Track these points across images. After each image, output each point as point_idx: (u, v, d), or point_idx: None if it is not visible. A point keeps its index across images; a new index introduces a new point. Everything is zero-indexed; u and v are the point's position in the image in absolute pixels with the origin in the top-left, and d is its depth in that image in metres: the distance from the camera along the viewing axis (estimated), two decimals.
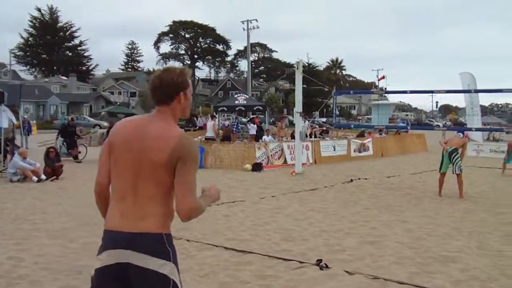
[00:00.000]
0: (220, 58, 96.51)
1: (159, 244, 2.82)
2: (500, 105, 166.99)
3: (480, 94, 28.68)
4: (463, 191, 13.08)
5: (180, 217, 2.81)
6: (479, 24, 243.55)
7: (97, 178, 3.05)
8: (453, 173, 13.09)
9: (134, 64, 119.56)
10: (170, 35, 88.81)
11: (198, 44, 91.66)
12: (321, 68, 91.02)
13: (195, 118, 41.43)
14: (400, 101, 70.55)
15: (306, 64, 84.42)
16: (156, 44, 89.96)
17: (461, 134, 15.67)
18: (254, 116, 34.73)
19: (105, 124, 33.62)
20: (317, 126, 34.94)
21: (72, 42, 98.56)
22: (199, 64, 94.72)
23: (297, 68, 17.94)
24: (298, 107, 17.79)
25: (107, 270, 2.81)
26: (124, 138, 2.93)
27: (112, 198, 2.97)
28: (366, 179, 16.44)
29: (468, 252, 7.42)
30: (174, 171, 2.80)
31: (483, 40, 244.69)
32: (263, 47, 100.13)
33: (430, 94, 19.85)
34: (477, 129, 25.36)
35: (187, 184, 2.79)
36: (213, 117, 29.72)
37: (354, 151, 24.52)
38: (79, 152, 21.29)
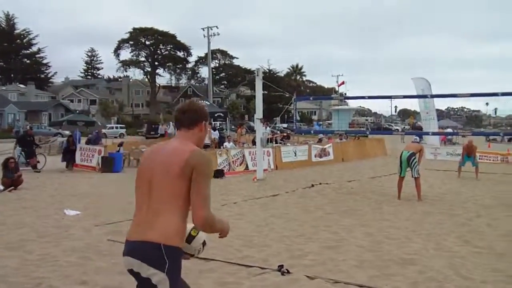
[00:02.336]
0: (181, 65, 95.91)
1: (156, 253, 2.97)
2: (456, 109, 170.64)
3: (436, 98, 29.26)
4: (421, 194, 13.33)
5: (196, 226, 3.13)
6: (435, 31, 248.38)
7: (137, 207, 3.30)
8: (412, 176, 13.34)
9: (94, 72, 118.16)
10: (130, 42, 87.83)
11: (158, 51, 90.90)
12: (282, 74, 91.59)
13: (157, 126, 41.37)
14: (360, 106, 71.16)
15: (267, 71, 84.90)
16: (116, 51, 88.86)
17: (418, 138, 15.98)
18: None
19: (67, 132, 33.19)
20: (278, 132, 35.12)
21: (30, 49, 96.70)
22: (159, 71, 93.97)
23: (257, 75, 18.01)
24: (259, 113, 17.86)
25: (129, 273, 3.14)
26: (147, 156, 3.31)
27: (135, 210, 3.23)
28: (327, 184, 16.59)
29: (425, 254, 7.57)
30: (189, 184, 3.04)
31: (438, 46, 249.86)
32: (224, 53, 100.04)
33: (388, 99, 20.16)
34: (434, 133, 25.89)
35: (201, 195, 3.03)
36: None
37: (315, 156, 24.71)
38: (38, 162, 20.89)
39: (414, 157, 13.38)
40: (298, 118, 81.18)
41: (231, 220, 10.15)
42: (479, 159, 22.69)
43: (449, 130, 55.86)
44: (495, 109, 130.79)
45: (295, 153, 23.49)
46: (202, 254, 7.31)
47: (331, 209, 11.75)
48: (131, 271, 3.11)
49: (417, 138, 15.99)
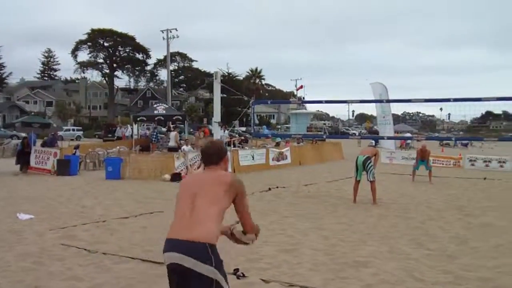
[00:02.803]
0: (139, 67, 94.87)
1: (203, 250, 3.57)
2: (411, 114, 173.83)
3: (392, 103, 29.73)
4: (376, 197, 13.52)
5: (246, 231, 4.11)
6: (393, 37, 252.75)
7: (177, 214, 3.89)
8: (367, 180, 13.52)
9: (51, 73, 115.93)
10: (88, 43, 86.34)
11: (117, 53, 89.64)
12: (241, 78, 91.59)
13: (114, 128, 40.85)
14: (318, 110, 72.12)
15: (226, 74, 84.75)
16: (74, 53, 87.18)
17: (373, 142, 16.21)
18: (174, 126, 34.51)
19: (23, 135, 32.38)
20: (236, 135, 35.11)
21: None
22: (118, 73, 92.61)
23: (216, 78, 17.97)
24: (217, 116, 17.82)
25: (168, 267, 3.71)
26: (188, 181, 4.19)
27: (175, 218, 3.82)
28: (284, 187, 16.67)
29: (379, 257, 7.68)
30: (229, 201, 3.82)
31: (396, 52, 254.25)
32: (183, 56, 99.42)
33: (345, 103, 20.56)
34: (389, 138, 26.32)
35: (247, 209, 3.99)
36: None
37: (273, 160, 24.80)
38: None
39: (369, 161, 13.57)
40: (257, 121, 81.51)
41: None
42: (433, 163, 23.16)
43: (408, 134, 56.93)
44: (449, 114, 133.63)
45: (253, 157, 23.52)
46: (157, 259, 7.30)
47: (288, 213, 11.81)
48: (172, 265, 3.66)
49: (373, 142, 16.23)
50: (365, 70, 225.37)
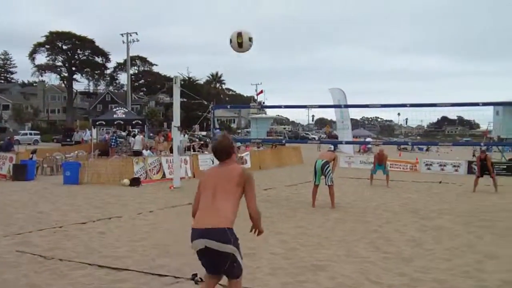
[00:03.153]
0: (99, 71, 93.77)
1: (225, 234, 4.52)
2: (370, 119, 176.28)
3: (351, 108, 30.07)
4: (334, 201, 13.63)
5: (250, 213, 4.84)
6: (352, 43, 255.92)
7: (193, 206, 4.88)
8: (326, 184, 13.62)
9: (7, 76, 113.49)
10: (47, 46, 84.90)
11: (76, 56, 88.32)
12: (202, 82, 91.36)
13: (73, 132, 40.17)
14: (278, 115, 72.28)
15: (186, 78, 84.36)
16: (31, 55, 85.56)
17: (332, 147, 16.35)
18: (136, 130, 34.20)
19: None
20: (196, 139, 34.94)
21: None
22: (77, 76, 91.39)
23: (175, 83, 17.89)
24: (176, 121, 17.73)
25: (198, 252, 4.62)
26: (207, 175, 4.93)
27: (199, 209, 4.69)
28: None
29: (337, 260, 7.74)
30: (241, 190, 4.68)
31: (354, 58, 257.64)
32: (143, 60, 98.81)
33: (304, 108, 20.62)
34: (347, 142, 26.53)
35: (253, 196, 4.75)
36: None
37: None
38: None
39: (328, 166, 13.68)
40: (217, 126, 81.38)
41: (146, 230, 10.07)
42: (390, 167, 23.53)
43: (370, 139, 57.58)
44: (406, 119, 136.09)
45: (213, 161, 23.42)
46: (114, 264, 7.20)
47: (247, 217, 11.77)
48: (201, 250, 4.56)
49: (332, 146, 16.36)
50: (325, 75, 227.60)
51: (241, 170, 4.74)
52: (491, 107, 37.96)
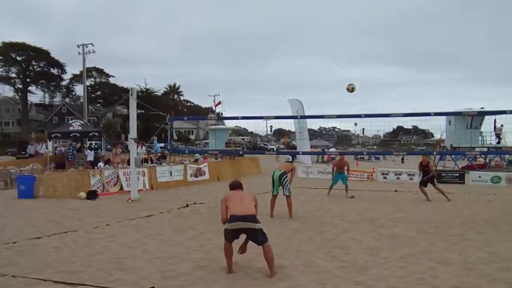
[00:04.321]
0: (54, 82, 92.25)
1: (255, 218, 7.59)
2: (328, 129, 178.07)
3: (308, 119, 30.39)
4: (292, 211, 13.70)
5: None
6: (308, 54, 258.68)
7: (222, 215, 7.88)
8: (283, 195, 13.68)
9: None
10: (0, 57, 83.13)
11: (30, 68, 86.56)
12: (159, 94, 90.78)
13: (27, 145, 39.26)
14: (237, 126, 72.23)
15: (144, 90, 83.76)
16: None
17: (290, 158, 16.44)
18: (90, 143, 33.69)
19: None
20: (154, 151, 34.69)
21: None
22: (32, 88, 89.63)
23: (131, 95, 17.73)
24: (133, 133, 17.57)
25: (235, 230, 7.57)
26: (232, 194, 8.14)
27: (232, 208, 7.68)
28: (201, 203, 16.61)
29: (294, 270, 7.78)
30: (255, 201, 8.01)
31: (311, 69, 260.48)
32: (100, 71, 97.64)
33: (261, 119, 20.68)
34: (304, 153, 26.82)
35: (257, 205, 8.04)
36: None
37: (191, 176, 24.70)
38: None
39: (285, 176, 13.76)
40: (175, 137, 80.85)
41: (103, 243, 9.92)
42: (348, 176, 23.80)
43: (333, 149, 58.10)
44: (363, 129, 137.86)
45: (171, 173, 23.33)
46: (70, 280, 7.05)
47: (205, 229, 11.76)
48: (241, 229, 7.58)
49: (290, 157, 16.46)
50: (284, 86, 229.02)
51: (253, 195, 8.29)
52: (444, 117, 38.89)
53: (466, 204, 17.40)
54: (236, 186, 8.42)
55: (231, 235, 7.59)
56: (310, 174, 30.37)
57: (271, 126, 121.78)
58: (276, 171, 13.98)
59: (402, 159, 54.43)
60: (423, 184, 18.83)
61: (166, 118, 20.40)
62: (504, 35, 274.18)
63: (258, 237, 7.54)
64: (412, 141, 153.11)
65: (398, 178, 28.40)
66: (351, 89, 16.02)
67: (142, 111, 60.78)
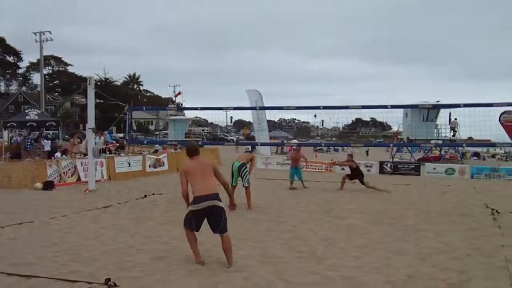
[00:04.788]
0: (10, 70, 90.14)
1: (218, 197, 7.46)
2: (287, 120, 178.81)
3: (268, 110, 30.44)
4: (251, 202, 13.76)
5: (223, 184, 8.08)
6: (269, 46, 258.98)
7: (182, 188, 7.70)
8: (242, 186, 13.72)
9: None
10: None
11: None
12: (119, 83, 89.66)
13: None
14: (197, 117, 71.93)
15: (103, 79, 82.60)
16: None
17: (250, 148, 16.48)
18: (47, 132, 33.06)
19: None
20: (113, 141, 34.27)
21: None
22: None
23: (89, 84, 17.46)
24: (91, 123, 17.32)
25: (203, 209, 7.44)
26: (191, 166, 7.70)
27: (195, 187, 7.50)
28: (160, 194, 16.53)
29: (252, 261, 7.83)
30: (213, 173, 7.73)
31: (269, 61, 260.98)
32: (58, 60, 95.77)
33: (221, 110, 20.62)
34: (262, 144, 26.92)
35: (220, 174, 7.90)
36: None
37: (150, 167, 24.52)
38: None
39: (244, 167, 13.81)
40: (135, 128, 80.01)
41: (59, 235, 9.78)
42: (306, 168, 23.97)
43: (295, 141, 58.34)
44: (322, 121, 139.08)
45: (129, 164, 23.11)
46: (24, 272, 6.94)
47: (163, 220, 11.72)
48: (206, 208, 7.43)
49: (249, 148, 16.49)
50: (244, 77, 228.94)
51: (210, 162, 8.12)
52: (401, 110, 39.48)
53: (421, 195, 17.77)
54: (194, 151, 7.85)
55: (194, 219, 7.51)
56: (269, 165, 30.50)
57: (231, 117, 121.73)
58: (235, 162, 14.02)
59: (367, 151, 55.05)
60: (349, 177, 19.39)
61: (124, 108, 20.21)
62: (465, 31, 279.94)
63: (221, 221, 7.48)
64: (371, 133, 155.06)
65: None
66: None
67: (101, 100, 60.07)
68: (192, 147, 7.94)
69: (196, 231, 7.64)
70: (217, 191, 7.49)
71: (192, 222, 7.54)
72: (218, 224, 7.49)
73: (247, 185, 13.76)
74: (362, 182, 18.69)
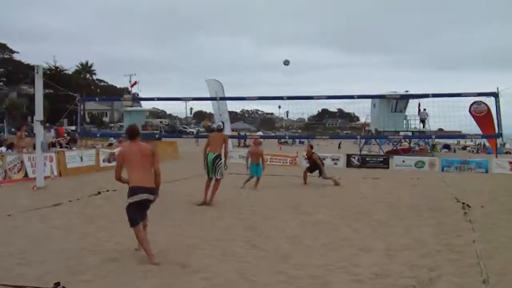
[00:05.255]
0: None
1: (153, 190, 7.76)
2: (250, 111, 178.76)
3: (229, 101, 30.40)
4: (214, 198, 13.69)
5: (155, 172, 7.82)
6: (233, 34, 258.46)
7: (116, 172, 8.04)
8: (215, 177, 13.65)
9: None
10: None
11: None
12: (70, 72, 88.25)
13: None
14: (154, 108, 71.53)
15: (53, 68, 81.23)
16: None
17: (221, 125, 16.39)
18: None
19: None
20: (65, 134, 33.78)
21: None
22: None
23: (37, 72, 17.09)
24: (39, 115, 16.96)
25: (139, 202, 7.72)
26: (129, 150, 7.80)
27: (131, 175, 7.75)
28: (115, 190, 16.32)
29: (212, 260, 7.79)
30: (152, 159, 7.75)
31: (235, 49, 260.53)
32: (3, 47, 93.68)
33: (179, 101, 20.49)
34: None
35: (158, 163, 7.85)
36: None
37: (104, 161, 24.21)
38: None
39: (219, 159, 13.82)
40: (88, 120, 78.97)
41: (4, 236, 9.54)
42: (270, 161, 24.01)
43: (260, 133, 58.34)
44: (287, 112, 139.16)
45: (82, 158, 22.77)
46: None
47: (118, 218, 11.48)
48: (141, 200, 7.72)
49: (221, 124, 16.18)
50: (204, 66, 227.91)
51: (149, 147, 7.91)
52: (369, 100, 39.91)
53: (390, 189, 18.00)
54: (134, 134, 7.95)
55: (136, 212, 7.75)
56: (231, 159, 30.29)
57: (191, 109, 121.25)
58: (210, 154, 13.86)
59: (339, 144, 55.66)
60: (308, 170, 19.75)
61: (76, 99, 19.89)
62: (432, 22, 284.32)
63: (146, 212, 8.04)
64: (338, 125, 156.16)
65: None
66: (287, 62, 16.64)
67: (50, 90, 58.88)
68: (133, 128, 8.13)
69: (140, 220, 7.87)
70: (153, 185, 7.77)
71: (135, 217, 7.75)
72: (144, 215, 8.01)
73: (219, 177, 13.78)
74: (320, 173, 18.87)
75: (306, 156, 19.52)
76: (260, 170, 18.28)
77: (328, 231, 10.29)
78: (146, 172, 7.70)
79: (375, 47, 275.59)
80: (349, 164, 29.67)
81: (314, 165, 19.31)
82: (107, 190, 16.25)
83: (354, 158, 30.54)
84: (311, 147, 19.97)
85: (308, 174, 19.42)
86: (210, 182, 13.97)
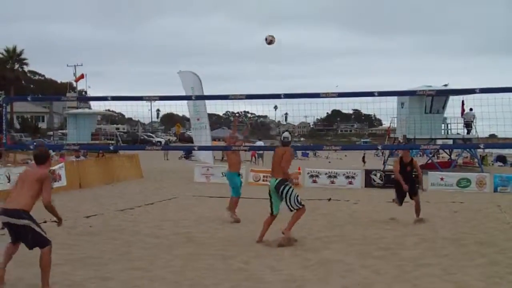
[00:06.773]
0: None
1: (17, 213, 8.55)
2: (237, 114, 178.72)
3: (209, 101, 30.25)
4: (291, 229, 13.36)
5: (44, 204, 8.76)
6: (207, 12, 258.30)
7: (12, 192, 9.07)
8: (290, 210, 13.18)
9: None
10: None
11: None
12: None
13: None
14: (109, 110, 71.22)
15: None
16: None
17: (289, 137, 16.01)
18: None
19: None
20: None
21: None
22: None
23: None
24: None
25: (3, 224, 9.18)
26: (25, 172, 9.46)
27: (12, 193, 8.95)
28: (55, 221, 16.24)
29: None
30: (40, 186, 8.67)
31: (210, 31, 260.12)
32: None
33: (142, 100, 20.06)
34: (201, 148, 26.77)
35: (49, 192, 8.80)
36: None
37: None
38: None
39: (285, 184, 13.05)
40: (17, 126, 78.70)
41: None
42: (265, 180, 23.94)
43: (261, 143, 58.00)
44: (285, 115, 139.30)
45: (9, 178, 22.71)
46: None
47: (60, 258, 11.51)
48: (6, 223, 8.70)
49: (289, 136, 14.70)
50: (177, 53, 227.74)
51: (42, 173, 8.76)
52: (395, 98, 39.54)
53: (423, 216, 18.00)
54: (39, 158, 9.10)
55: (8, 231, 8.97)
56: (212, 177, 30.21)
57: (157, 111, 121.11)
58: (271, 180, 13.38)
59: (364, 157, 55.33)
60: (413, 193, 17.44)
61: (0, 98, 19.87)
62: None
63: (28, 237, 8.65)
64: (353, 131, 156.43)
65: (332, 182, 28.90)
66: (269, 41, 17.21)
67: None
68: (38, 154, 9.25)
69: (11, 243, 9.04)
70: (22, 207, 8.53)
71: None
72: (28, 243, 8.86)
73: (297, 207, 13.08)
74: None
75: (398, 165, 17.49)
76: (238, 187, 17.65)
77: (341, 273, 10.28)
78: (20, 194, 8.68)
79: (403, 26, 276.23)
80: (368, 183, 29.40)
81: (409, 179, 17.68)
82: (45, 221, 16.14)
83: (376, 175, 30.38)
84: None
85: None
86: (272, 220, 13.55)
